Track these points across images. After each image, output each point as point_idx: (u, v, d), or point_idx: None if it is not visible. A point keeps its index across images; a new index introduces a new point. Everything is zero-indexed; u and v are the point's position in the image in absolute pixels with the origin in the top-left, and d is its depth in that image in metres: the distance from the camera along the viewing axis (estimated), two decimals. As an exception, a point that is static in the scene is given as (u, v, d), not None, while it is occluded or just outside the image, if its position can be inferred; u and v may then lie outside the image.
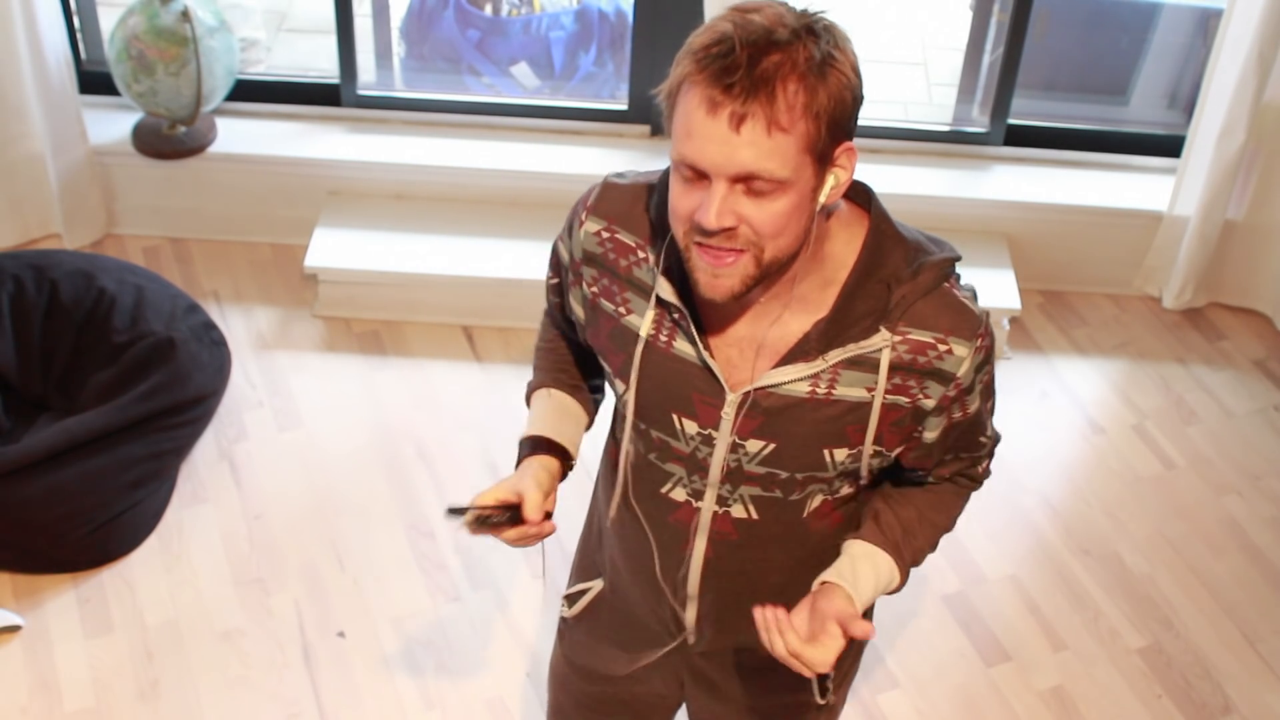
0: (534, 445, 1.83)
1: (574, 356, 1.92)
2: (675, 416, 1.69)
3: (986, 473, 1.86)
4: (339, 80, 3.87)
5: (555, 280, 1.86)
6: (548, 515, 1.75)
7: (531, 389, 1.92)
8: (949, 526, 1.85)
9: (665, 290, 1.63)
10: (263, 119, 3.90)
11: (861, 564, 1.74)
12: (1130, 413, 3.65)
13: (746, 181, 1.47)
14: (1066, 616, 3.17)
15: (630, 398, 1.71)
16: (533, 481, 1.75)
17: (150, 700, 2.89)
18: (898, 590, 1.79)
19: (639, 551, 1.84)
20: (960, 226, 3.76)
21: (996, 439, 1.82)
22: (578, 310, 1.77)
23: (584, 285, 1.74)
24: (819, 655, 1.61)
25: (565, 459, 1.84)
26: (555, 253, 1.82)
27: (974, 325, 1.62)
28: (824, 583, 1.71)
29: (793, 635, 1.61)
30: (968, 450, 1.78)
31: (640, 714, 2.09)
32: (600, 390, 1.95)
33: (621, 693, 2.05)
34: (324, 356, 3.64)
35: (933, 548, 1.83)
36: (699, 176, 1.50)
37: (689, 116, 1.47)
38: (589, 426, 1.92)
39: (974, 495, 1.88)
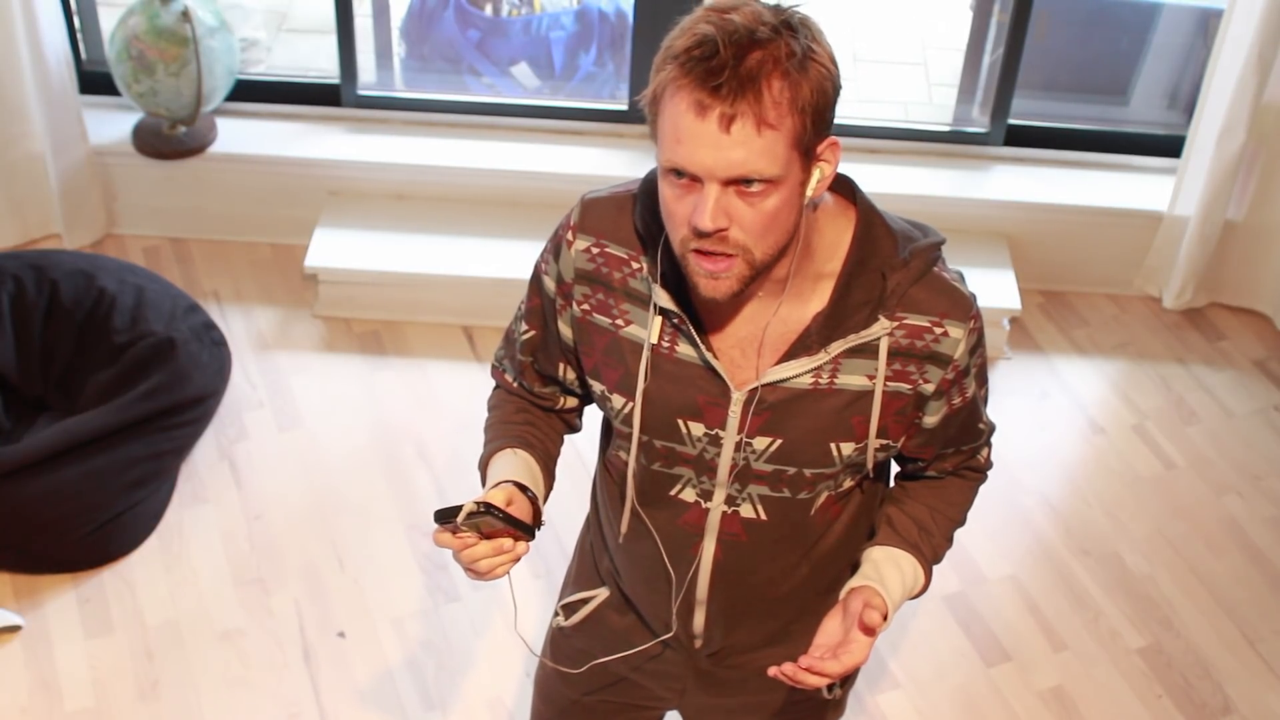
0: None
1: (539, 425, 1.86)
2: (681, 421, 1.68)
3: (989, 462, 1.87)
4: (339, 80, 3.87)
5: (532, 333, 1.80)
6: (531, 532, 1.65)
7: (493, 451, 1.82)
8: (961, 520, 1.86)
9: (663, 298, 1.63)
10: (263, 119, 3.90)
11: (885, 566, 1.75)
12: (1130, 413, 3.65)
13: (738, 184, 1.47)
14: (1066, 616, 3.16)
15: (633, 410, 1.70)
16: (520, 481, 1.71)
17: (150, 700, 2.89)
18: (923, 592, 1.80)
19: (648, 557, 1.82)
20: (960, 226, 3.76)
21: (992, 427, 1.84)
22: (567, 334, 1.76)
23: (574, 306, 1.72)
24: (857, 656, 1.64)
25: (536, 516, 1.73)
26: (537, 290, 1.77)
27: (966, 307, 1.65)
28: (852, 589, 1.72)
29: (829, 664, 1.62)
30: (968, 440, 1.79)
31: None
32: (553, 472, 1.85)
33: (612, 700, 2.04)
34: (324, 356, 3.64)
35: (950, 543, 1.84)
36: (691, 181, 1.49)
37: (677, 121, 1.46)
38: (545, 500, 1.81)
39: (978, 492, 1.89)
